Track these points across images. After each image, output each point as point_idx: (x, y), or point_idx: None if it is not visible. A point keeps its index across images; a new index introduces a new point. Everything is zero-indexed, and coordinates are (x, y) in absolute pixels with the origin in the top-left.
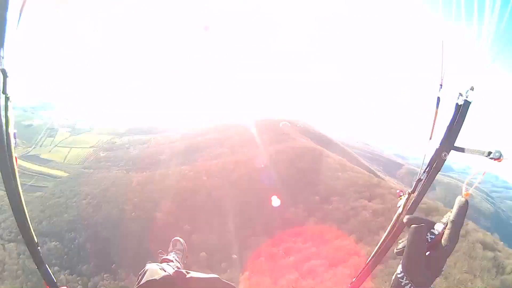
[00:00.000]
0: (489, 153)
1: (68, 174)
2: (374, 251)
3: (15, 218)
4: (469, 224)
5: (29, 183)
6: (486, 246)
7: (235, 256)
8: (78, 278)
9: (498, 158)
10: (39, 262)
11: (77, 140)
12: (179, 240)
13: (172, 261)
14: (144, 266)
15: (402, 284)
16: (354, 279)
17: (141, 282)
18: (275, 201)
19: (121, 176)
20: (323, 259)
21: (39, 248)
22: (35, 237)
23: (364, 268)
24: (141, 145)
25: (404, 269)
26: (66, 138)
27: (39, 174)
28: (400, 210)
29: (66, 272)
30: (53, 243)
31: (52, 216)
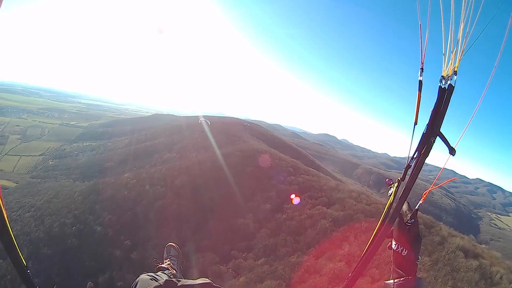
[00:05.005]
0: (452, 150)
1: (16, 184)
2: (370, 240)
3: (2, 243)
4: (443, 228)
5: None
6: (467, 254)
7: None
8: None
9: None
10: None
11: (28, 147)
12: (173, 246)
13: (167, 268)
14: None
15: (401, 253)
16: (350, 274)
17: None
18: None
19: (66, 185)
20: (278, 279)
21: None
22: (23, 260)
23: (360, 261)
24: (90, 151)
25: (399, 242)
26: (16, 146)
27: None
28: (391, 198)
29: None
30: None
31: None
